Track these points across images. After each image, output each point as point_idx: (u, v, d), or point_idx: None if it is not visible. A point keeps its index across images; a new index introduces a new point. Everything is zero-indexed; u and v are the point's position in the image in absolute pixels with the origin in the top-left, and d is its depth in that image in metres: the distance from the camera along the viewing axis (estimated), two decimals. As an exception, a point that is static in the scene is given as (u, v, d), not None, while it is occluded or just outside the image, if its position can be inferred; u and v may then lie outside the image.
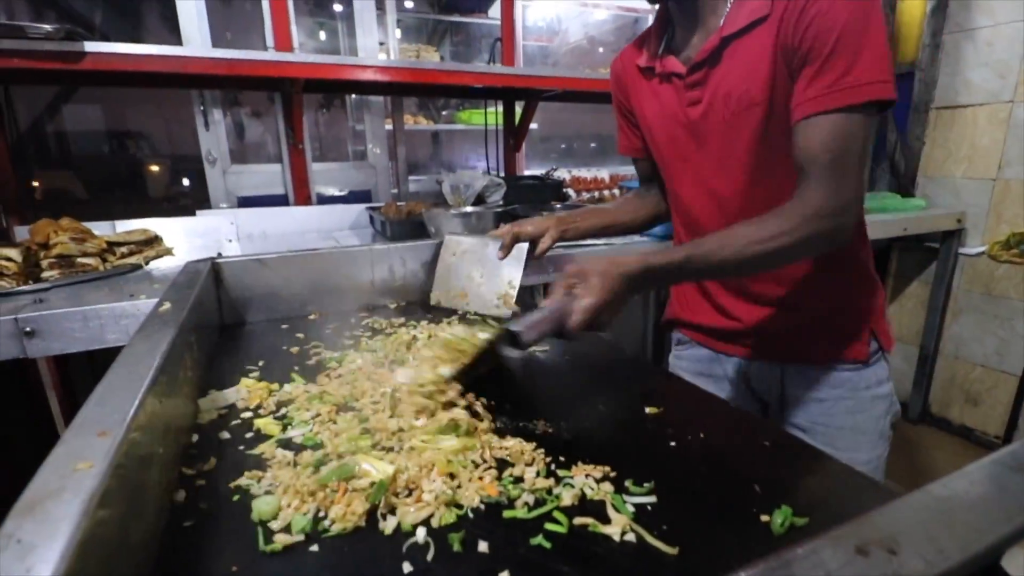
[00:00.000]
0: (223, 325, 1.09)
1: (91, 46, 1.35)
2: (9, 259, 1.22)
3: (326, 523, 0.48)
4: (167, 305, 0.76)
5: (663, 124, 0.95)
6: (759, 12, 0.78)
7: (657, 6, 0.93)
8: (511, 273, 1.14)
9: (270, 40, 1.82)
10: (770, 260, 0.75)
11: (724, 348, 1.03)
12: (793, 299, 0.93)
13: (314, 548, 0.45)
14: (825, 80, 0.73)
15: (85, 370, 1.78)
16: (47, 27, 1.29)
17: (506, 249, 1.11)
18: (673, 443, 0.61)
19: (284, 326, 1.08)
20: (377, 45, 2.13)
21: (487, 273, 1.17)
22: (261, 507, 0.49)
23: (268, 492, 0.52)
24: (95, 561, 0.32)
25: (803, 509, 0.48)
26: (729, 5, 0.82)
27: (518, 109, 2.47)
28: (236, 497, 0.52)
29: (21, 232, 1.64)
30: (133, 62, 1.41)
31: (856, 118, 0.73)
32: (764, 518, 0.48)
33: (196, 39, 1.70)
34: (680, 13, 0.88)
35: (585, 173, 2.74)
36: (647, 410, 0.70)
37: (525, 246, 1.12)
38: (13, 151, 1.65)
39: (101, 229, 1.66)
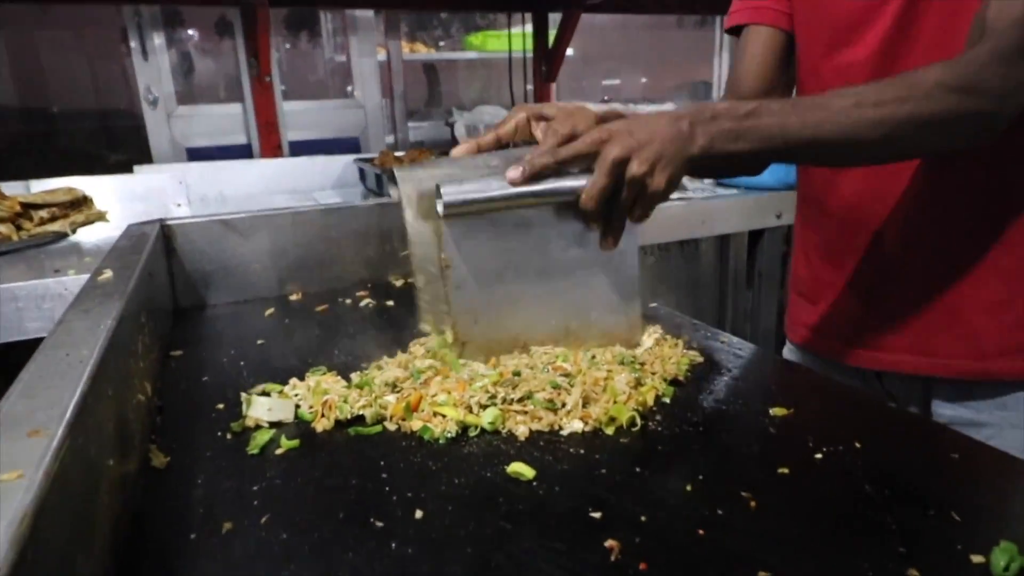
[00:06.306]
0: (177, 308, 1.07)
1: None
2: None
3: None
4: (108, 273, 0.73)
5: None
6: None
7: None
8: None
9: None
10: (875, 136, 0.68)
11: (852, 354, 0.97)
12: (966, 282, 0.85)
13: None
14: None
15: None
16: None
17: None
18: (819, 455, 0.57)
19: (270, 310, 1.06)
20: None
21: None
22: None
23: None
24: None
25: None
26: None
27: (552, 28, 2.42)
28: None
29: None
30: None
31: None
32: (976, 559, 0.43)
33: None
34: None
35: (642, 109, 2.66)
36: (771, 411, 0.65)
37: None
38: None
39: (12, 190, 1.65)
